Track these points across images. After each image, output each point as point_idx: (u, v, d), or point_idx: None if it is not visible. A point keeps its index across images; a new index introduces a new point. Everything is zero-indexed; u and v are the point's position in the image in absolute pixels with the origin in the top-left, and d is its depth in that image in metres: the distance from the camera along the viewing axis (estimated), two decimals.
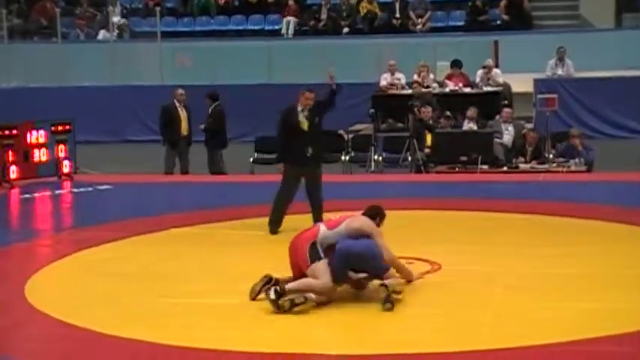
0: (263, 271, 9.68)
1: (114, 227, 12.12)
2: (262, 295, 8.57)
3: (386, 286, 8.36)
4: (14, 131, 15.72)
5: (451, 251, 10.39)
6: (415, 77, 20.92)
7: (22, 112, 20.22)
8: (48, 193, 15.02)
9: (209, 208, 13.40)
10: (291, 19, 26.19)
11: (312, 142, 11.70)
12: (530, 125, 18.87)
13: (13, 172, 15.64)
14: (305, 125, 11.67)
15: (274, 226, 11.74)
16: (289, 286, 8.43)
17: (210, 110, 17.48)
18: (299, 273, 8.64)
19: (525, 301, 8.64)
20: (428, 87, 20.67)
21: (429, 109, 18.25)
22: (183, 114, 17.15)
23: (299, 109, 11.69)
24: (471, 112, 18.20)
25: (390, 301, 8.29)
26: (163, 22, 26.43)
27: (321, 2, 26.29)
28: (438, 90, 20.57)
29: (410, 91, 20.30)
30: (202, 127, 17.24)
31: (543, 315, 8.22)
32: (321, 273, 8.42)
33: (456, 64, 20.86)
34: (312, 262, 8.49)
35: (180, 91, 17.29)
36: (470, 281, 9.18)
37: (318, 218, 11.27)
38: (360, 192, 14.44)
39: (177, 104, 17.20)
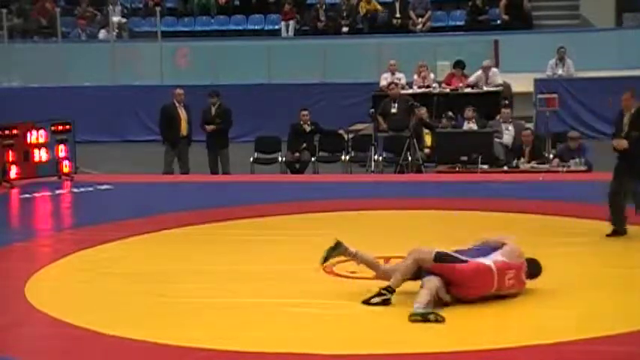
0: (264, 271, 9.73)
1: (114, 227, 12.09)
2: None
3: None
4: (14, 131, 15.70)
5: None
6: (415, 77, 20.96)
7: (22, 112, 20.18)
8: (48, 193, 15.00)
9: (209, 208, 13.39)
10: (290, 23, 26.19)
11: None
12: (529, 125, 18.86)
13: (14, 172, 15.64)
14: (627, 129, 11.08)
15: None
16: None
17: (214, 110, 17.48)
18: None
19: (525, 300, 8.63)
20: (428, 86, 20.69)
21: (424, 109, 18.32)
22: (182, 114, 17.18)
23: (624, 113, 11.09)
24: (470, 112, 18.19)
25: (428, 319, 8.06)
26: (163, 22, 26.40)
27: (317, 4, 26.25)
28: (438, 90, 20.60)
29: (410, 91, 20.34)
30: (214, 126, 17.24)
31: (543, 314, 8.22)
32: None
33: (458, 64, 20.87)
34: None
35: (179, 90, 17.31)
36: None
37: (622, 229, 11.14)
38: (360, 192, 14.44)
39: (177, 104, 17.22)
